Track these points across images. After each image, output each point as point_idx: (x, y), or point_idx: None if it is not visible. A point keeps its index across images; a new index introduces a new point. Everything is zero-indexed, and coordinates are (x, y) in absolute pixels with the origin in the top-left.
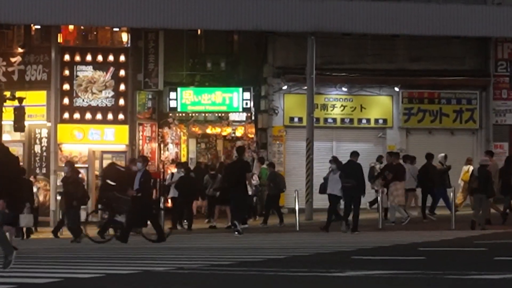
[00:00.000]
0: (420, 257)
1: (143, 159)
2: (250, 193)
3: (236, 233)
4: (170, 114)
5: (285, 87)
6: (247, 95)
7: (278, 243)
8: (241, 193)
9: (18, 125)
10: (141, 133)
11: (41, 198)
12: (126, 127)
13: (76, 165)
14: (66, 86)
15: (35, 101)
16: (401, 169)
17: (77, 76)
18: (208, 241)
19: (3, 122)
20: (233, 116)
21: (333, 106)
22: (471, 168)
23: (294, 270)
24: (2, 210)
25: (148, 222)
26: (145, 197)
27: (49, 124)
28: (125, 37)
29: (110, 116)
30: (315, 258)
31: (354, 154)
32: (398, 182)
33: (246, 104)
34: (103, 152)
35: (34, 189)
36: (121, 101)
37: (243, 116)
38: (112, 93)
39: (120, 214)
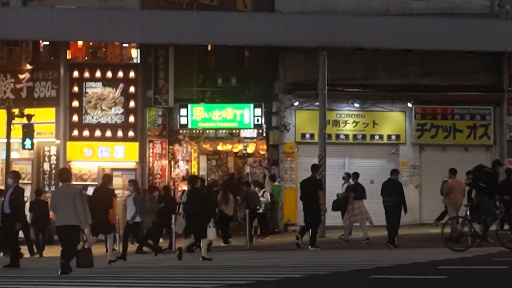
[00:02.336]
0: (441, 276)
1: (15, 174)
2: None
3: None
4: (181, 131)
5: (296, 103)
6: (258, 111)
7: (292, 261)
8: (314, 210)
9: (27, 143)
10: (151, 150)
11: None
12: (136, 144)
13: (85, 183)
14: (75, 103)
15: (44, 118)
16: (359, 188)
17: (86, 92)
18: (222, 259)
19: (11, 140)
20: (244, 133)
21: (345, 122)
22: None
23: None
24: None
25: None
26: (16, 216)
27: (58, 141)
28: (134, 53)
29: (120, 133)
30: (332, 277)
31: (394, 172)
32: (356, 201)
33: (257, 120)
34: (113, 169)
35: None
36: (131, 118)
37: (254, 133)
38: (121, 110)
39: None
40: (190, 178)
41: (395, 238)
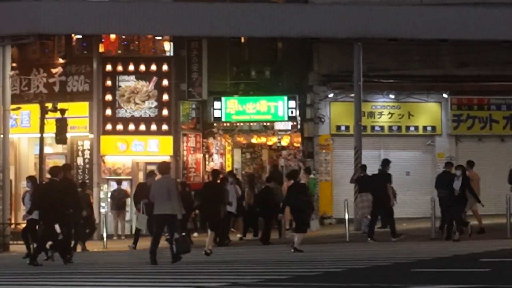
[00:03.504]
0: (484, 269)
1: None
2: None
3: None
4: (215, 124)
5: (331, 95)
6: (292, 103)
7: (331, 255)
8: (385, 203)
9: (60, 137)
10: (185, 144)
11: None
12: (170, 138)
13: (119, 177)
14: (109, 97)
15: (77, 113)
16: (366, 180)
17: (119, 86)
18: (257, 253)
19: (45, 135)
20: (278, 125)
21: (380, 114)
22: None
23: (355, 285)
24: None
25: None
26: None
27: (91, 135)
28: (167, 46)
29: (153, 127)
30: (373, 270)
31: (449, 164)
32: (364, 193)
33: (292, 112)
34: (147, 163)
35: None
36: (165, 112)
37: (288, 125)
38: (155, 103)
39: None
40: (291, 173)
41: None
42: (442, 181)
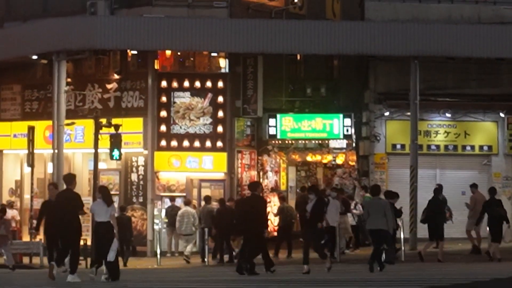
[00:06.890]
0: None
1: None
2: None
3: None
4: (270, 141)
5: (387, 113)
6: (348, 121)
7: (385, 275)
8: None
9: (114, 153)
10: (240, 161)
11: (138, 227)
12: (224, 155)
13: (173, 194)
14: (163, 113)
15: (132, 128)
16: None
17: (174, 102)
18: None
19: (99, 150)
20: (333, 143)
21: (436, 133)
22: None
23: None
24: None
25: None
26: None
27: (146, 151)
28: (223, 62)
29: (208, 144)
30: None
31: None
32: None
33: (347, 130)
34: (201, 180)
35: None
36: (220, 128)
37: (343, 143)
38: (210, 120)
39: None
40: (493, 189)
41: None
42: None
